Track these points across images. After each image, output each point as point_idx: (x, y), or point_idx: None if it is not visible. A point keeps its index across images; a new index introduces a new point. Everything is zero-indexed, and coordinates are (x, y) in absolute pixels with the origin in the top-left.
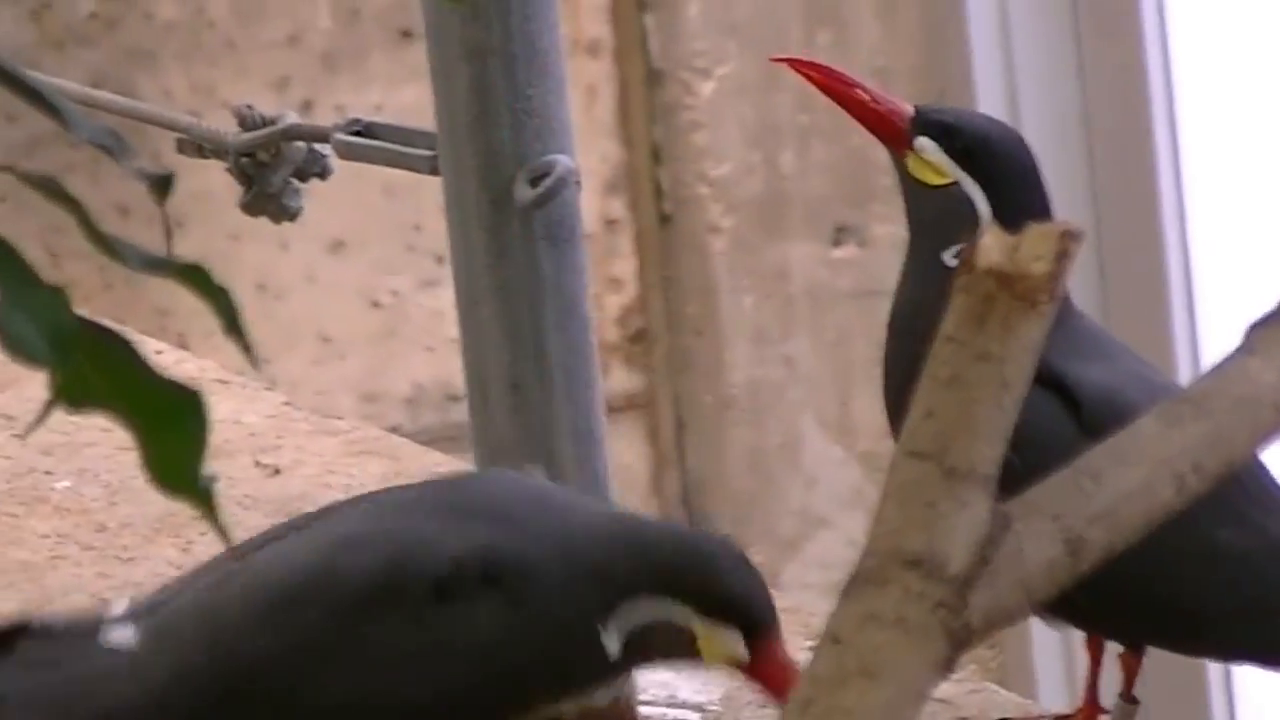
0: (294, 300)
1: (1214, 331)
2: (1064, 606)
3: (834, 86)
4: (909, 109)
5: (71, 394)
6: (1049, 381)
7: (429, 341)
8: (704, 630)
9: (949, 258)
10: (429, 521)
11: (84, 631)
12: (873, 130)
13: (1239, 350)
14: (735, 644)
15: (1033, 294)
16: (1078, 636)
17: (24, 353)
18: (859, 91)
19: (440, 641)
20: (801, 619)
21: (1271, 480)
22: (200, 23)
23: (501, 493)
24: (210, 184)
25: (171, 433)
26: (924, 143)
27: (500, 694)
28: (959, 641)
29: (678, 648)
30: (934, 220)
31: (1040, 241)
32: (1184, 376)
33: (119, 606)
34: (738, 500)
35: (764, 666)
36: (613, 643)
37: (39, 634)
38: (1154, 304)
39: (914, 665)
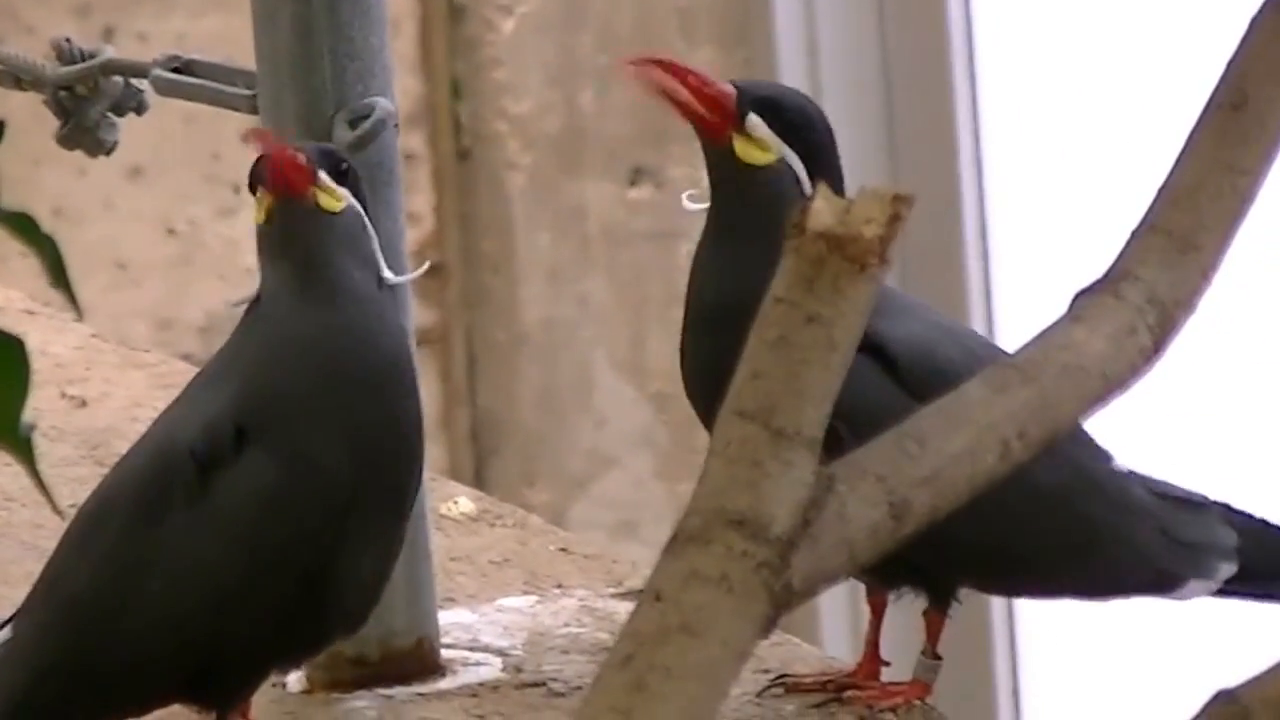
0: (91, 226)
1: (1008, 290)
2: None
3: (666, 84)
4: (731, 89)
5: None
6: (865, 346)
7: (224, 270)
8: None
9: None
10: (189, 402)
11: None
12: (701, 119)
13: (1065, 318)
14: None
15: (863, 257)
16: (861, 589)
17: None
18: (691, 78)
19: (216, 513)
20: (604, 565)
21: None
22: None
23: (256, 346)
24: (9, 109)
25: None
26: (755, 120)
27: (287, 548)
28: (780, 602)
29: None
30: (763, 201)
31: (872, 205)
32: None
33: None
34: (528, 438)
35: None
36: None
37: None
38: (950, 263)
39: (735, 624)
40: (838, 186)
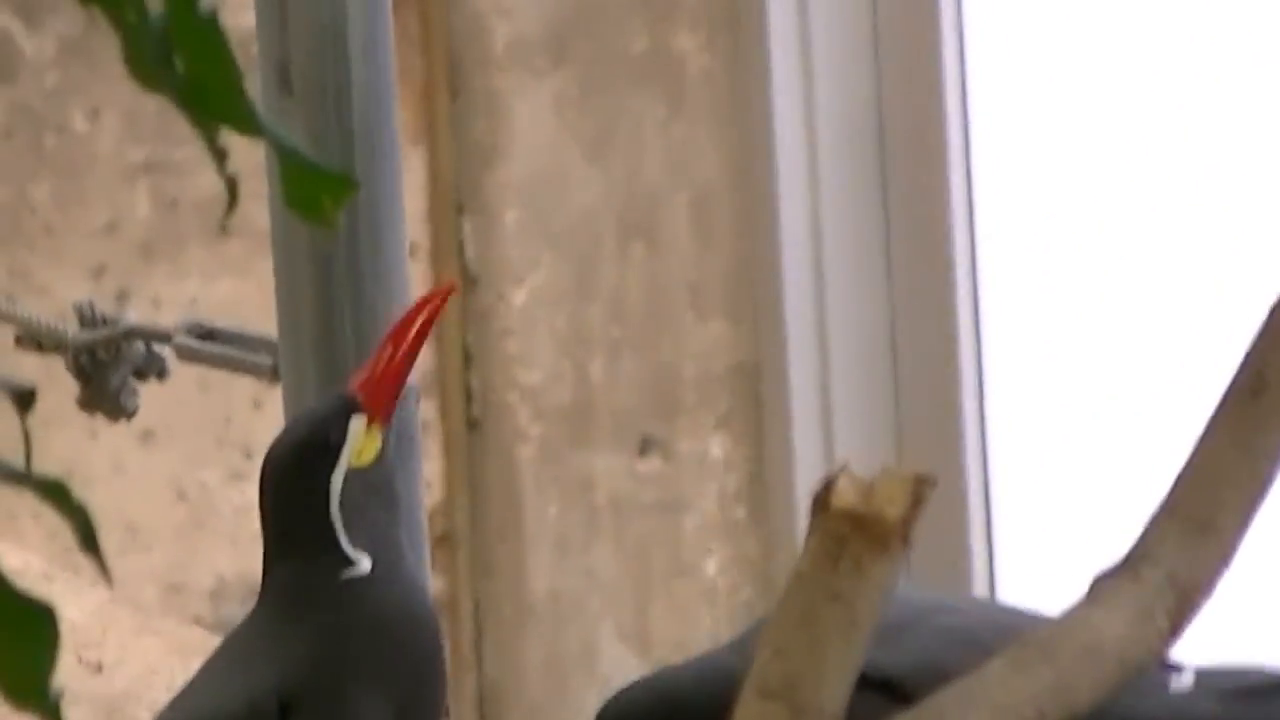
0: (101, 489)
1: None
2: None
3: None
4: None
5: None
6: (873, 683)
7: (235, 535)
8: None
9: None
10: (225, 677)
11: None
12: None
13: (1085, 600)
14: None
15: (885, 537)
16: None
17: None
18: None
19: None
20: None
21: None
22: (21, 206)
23: (281, 623)
24: (23, 369)
25: (23, 646)
26: None
27: None
28: None
29: None
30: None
31: (894, 485)
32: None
33: None
34: (534, 708)
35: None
36: None
37: None
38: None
39: None
40: None
